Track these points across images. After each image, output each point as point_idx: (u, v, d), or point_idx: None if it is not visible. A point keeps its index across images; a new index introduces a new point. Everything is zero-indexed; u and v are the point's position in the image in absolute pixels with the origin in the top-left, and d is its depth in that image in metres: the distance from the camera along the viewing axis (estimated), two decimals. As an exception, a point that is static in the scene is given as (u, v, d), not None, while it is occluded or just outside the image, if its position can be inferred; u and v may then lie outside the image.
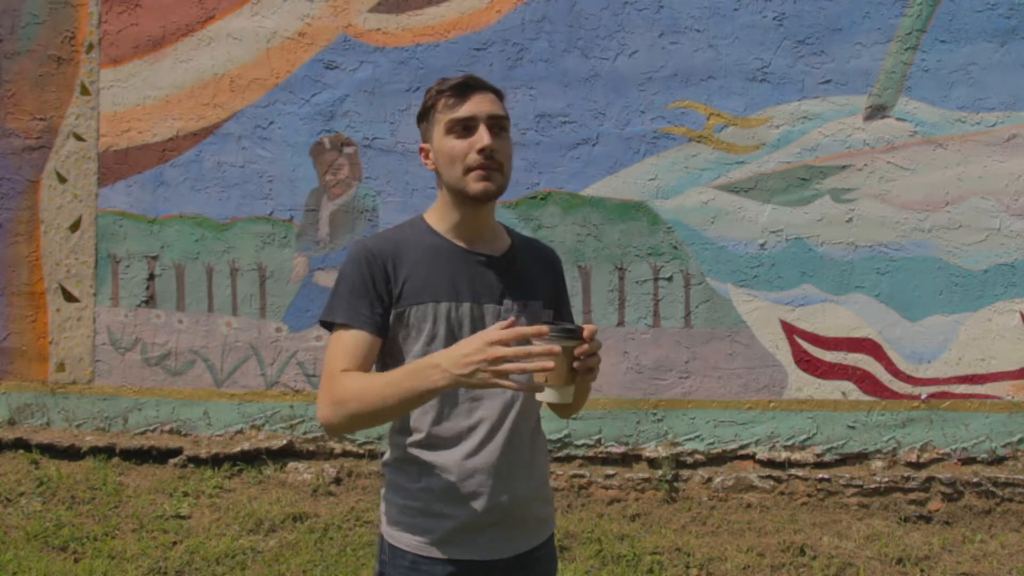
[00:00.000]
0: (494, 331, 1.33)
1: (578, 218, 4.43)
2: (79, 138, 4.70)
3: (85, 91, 4.70)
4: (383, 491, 1.67)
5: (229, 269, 4.64)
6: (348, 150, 4.57)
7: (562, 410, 1.69)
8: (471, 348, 1.33)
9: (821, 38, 4.32)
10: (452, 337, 1.56)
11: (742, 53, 4.36)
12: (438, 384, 1.37)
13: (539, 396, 1.47)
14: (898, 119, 4.29)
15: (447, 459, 1.57)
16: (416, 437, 1.59)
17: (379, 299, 1.56)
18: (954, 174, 4.27)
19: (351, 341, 1.54)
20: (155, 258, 4.68)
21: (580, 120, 4.43)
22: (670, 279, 4.40)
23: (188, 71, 4.64)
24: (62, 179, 4.71)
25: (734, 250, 4.37)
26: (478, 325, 1.58)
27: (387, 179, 4.55)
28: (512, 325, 1.35)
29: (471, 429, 1.57)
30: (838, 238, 4.32)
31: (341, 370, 1.51)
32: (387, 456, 1.67)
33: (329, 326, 1.59)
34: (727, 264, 4.37)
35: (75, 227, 4.72)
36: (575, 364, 1.45)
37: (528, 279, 1.66)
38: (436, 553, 1.57)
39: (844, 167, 4.32)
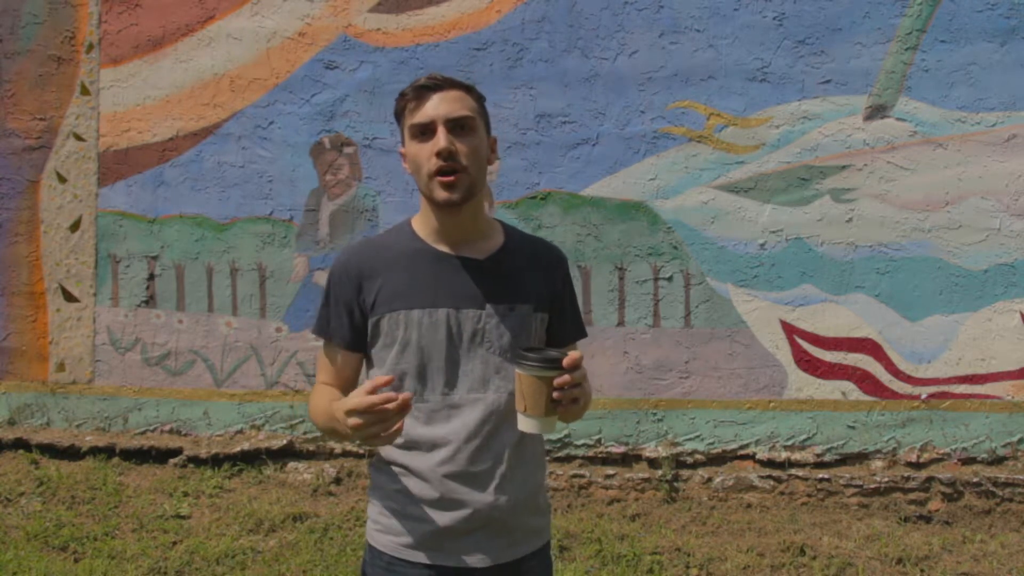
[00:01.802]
0: (352, 400, 1.37)
1: (578, 218, 4.43)
2: (79, 138, 4.70)
3: (85, 91, 4.70)
4: (369, 490, 1.69)
5: (229, 269, 4.64)
6: (348, 150, 4.57)
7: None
8: (340, 417, 1.41)
9: (821, 38, 4.32)
10: (423, 345, 1.55)
11: (742, 53, 4.35)
12: (346, 433, 1.43)
13: (519, 426, 1.44)
14: (898, 119, 4.29)
15: (423, 464, 1.56)
16: (396, 440, 1.56)
17: (349, 314, 1.61)
18: (954, 174, 4.27)
19: (327, 355, 1.67)
20: (155, 258, 4.68)
21: (580, 120, 4.43)
22: (670, 279, 4.40)
23: (188, 71, 4.64)
24: (62, 179, 4.71)
25: (734, 250, 4.37)
26: (454, 332, 1.56)
27: (387, 179, 4.55)
28: (379, 386, 1.36)
29: (449, 436, 1.56)
30: (838, 238, 4.32)
31: (320, 383, 1.66)
32: (373, 458, 1.69)
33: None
34: (727, 264, 4.37)
35: (75, 227, 4.72)
36: (555, 395, 1.39)
37: (516, 282, 1.61)
38: (412, 556, 1.57)
39: (844, 167, 4.32)
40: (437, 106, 1.52)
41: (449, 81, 1.56)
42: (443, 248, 1.60)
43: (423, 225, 1.63)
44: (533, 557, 1.64)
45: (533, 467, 1.65)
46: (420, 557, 1.56)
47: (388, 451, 1.61)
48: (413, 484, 1.57)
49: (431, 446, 1.56)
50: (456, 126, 1.53)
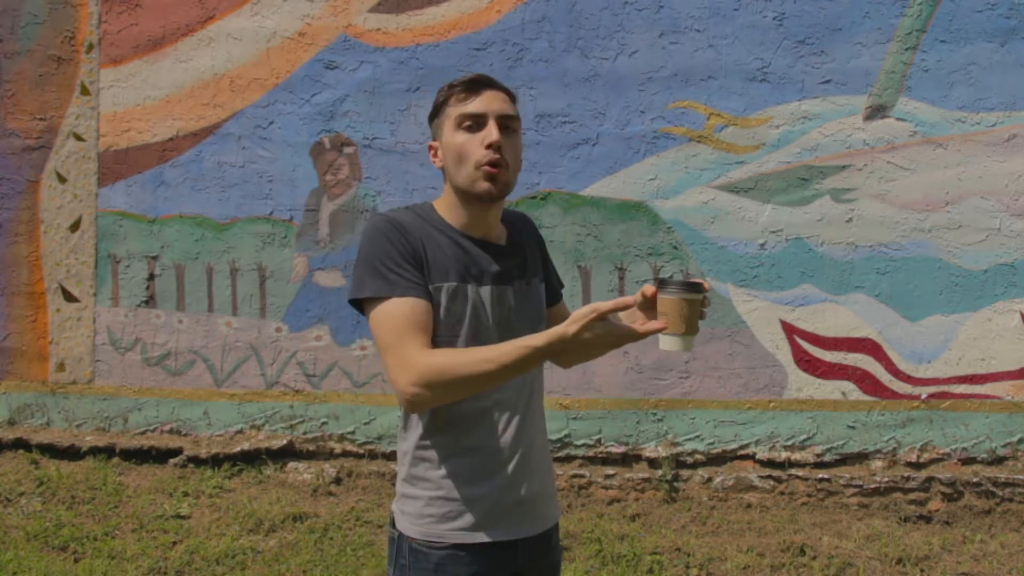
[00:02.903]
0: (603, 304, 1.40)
1: (578, 218, 4.43)
2: (79, 138, 4.70)
3: (85, 91, 4.70)
4: (400, 486, 1.64)
5: (229, 269, 4.64)
6: (348, 150, 4.57)
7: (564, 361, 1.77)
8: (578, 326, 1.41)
9: (821, 38, 4.32)
10: (477, 319, 1.57)
11: (742, 53, 4.35)
12: (552, 349, 1.44)
13: (671, 346, 1.53)
14: (898, 119, 4.29)
15: (468, 443, 1.58)
16: (435, 423, 1.58)
17: (419, 268, 1.55)
18: (954, 174, 4.27)
19: (412, 313, 1.51)
20: (155, 258, 4.68)
21: (580, 120, 4.43)
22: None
23: (188, 71, 4.64)
24: (62, 179, 4.71)
25: (734, 250, 4.37)
26: (496, 307, 1.60)
27: (387, 179, 4.55)
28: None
29: (496, 409, 1.59)
30: (838, 238, 4.32)
31: (419, 345, 1.48)
32: (404, 446, 1.63)
33: (358, 304, 1.56)
34: (727, 264, 4.37)
35: (75, 227, 4.72)
36: (702, 313, 1.54)
37: (527, 260, 1.71)
38: (466, 539, 1.56)
39: (844, 167, 4.32)
40: (490, 101, 1.57)
41: (498, 83, 1.62)
42: (473, 235, 1.64)
43: (452, 215, 1.63)
44: (555, 529, 1.72)
45: (546, 435, 1.74)
46: (474, 539, 1.57)
47: (428, 436, 1.59)
48: (464, 466, 1.58)
49: (474, 423, 1.58)
50: (504, 125, 1.58)
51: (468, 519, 1.57)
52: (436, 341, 1.56)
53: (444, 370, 1.45)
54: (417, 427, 1.60)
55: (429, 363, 1.46)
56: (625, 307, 1.40)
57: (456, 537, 1.56)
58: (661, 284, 1.53)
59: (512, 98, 1.64)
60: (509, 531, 1.59)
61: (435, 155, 1.65)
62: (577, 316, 1.39)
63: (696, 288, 1.51)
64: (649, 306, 1.59)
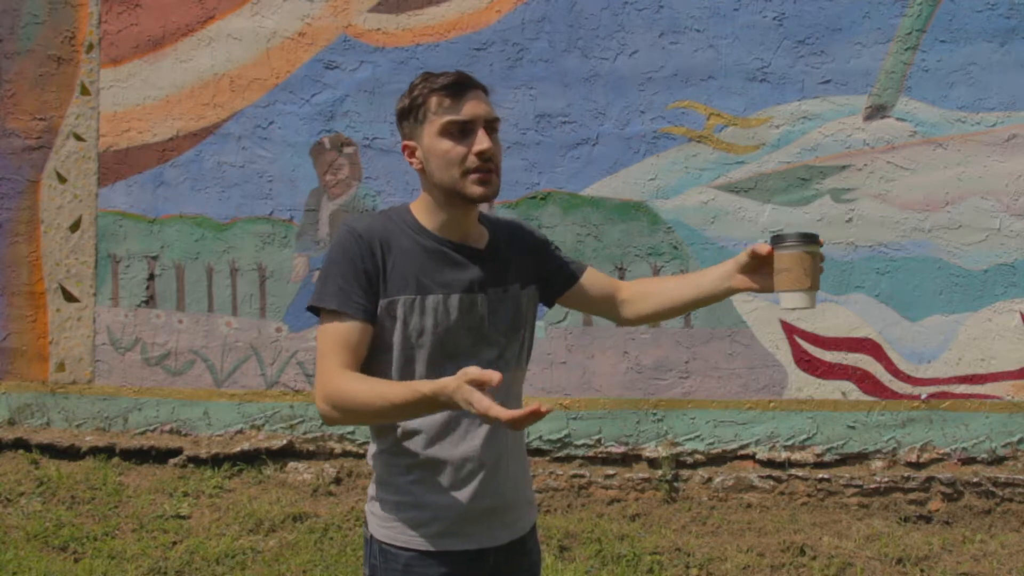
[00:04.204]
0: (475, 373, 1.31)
1: (578, 218, 4.43)
2: (79, 138, 4.70)
3: (85, 91, 4.70)
4: (371, 488, 1.65)
5: (229, 269, 4.64)
6: (348, 150, 4.57)
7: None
8: (453, 390, 1.32)
9: (821, 38, 4.32)
10: (440, 329, 1.56)
11: (742, 53, 4.35)
12: (440, 406, 1.40)
13: (798, 303, 1.52)
14: (898, 119, 4.29)
15: (435, 451, 1.57)
16: (401, 431, 1.58)
17: (370, 284, 1.54)
18: (954, 174, 4.27)
19: (344, 331, 1.52)
20: (155, 258, 4.68)
21: (580, 120, 4.43)
22: (670, 279, 4.39)
23: (188, 71, 4.64)
24: (62, 179, 4.71)
25: (734, 250, 4.36)
26: (465, 317, 1.57)
27: (387, 179, 4.55)
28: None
29: (455, 419, 1.57)
30: (838, 238, 4.32)
31: (338, 364, 1.50)
32: (373, 449, 1.64)
33: (317, 311, 1.57)
34: (727, 264, 4.36)
35: (75, 227, 4.72)
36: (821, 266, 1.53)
37: (509, 267, 1.67)
38: (433, 547, 1.56)
39: (844, 167, 4.32)
40: (476, 106, 1.54)
41: (476, 81, 1.58)
42: (447, 239, 1.61)
43: (428, 217, 1.61)
44: (531, 536, 1.71)
45: (522, 440, 1.71)
46: (441, 546, 1.56)
47: (395, 443, 1.59)
48: (427, 473, 1.57)
49: (440, 432, 1.57)
50: (489, 127, 1.56)
51: (434, 527, 1.56)
52: (398, 353, 1.55)
53: (345, 395, 1.47)
54: (386, 433, 1.60)
55: (335, 385, 1.48)
56: (490, 382, 1.29)
57: (422, 544, 1.56)
58: (776, 240, 1.52)
59: (487, 94, 1.59)
60: (477, 541, 1.58)
61: (412, 155, 1.60)
62: (460, 373, 1.32)
63: (814, 239, 1.50)
64: (754, 268, 1.61)
